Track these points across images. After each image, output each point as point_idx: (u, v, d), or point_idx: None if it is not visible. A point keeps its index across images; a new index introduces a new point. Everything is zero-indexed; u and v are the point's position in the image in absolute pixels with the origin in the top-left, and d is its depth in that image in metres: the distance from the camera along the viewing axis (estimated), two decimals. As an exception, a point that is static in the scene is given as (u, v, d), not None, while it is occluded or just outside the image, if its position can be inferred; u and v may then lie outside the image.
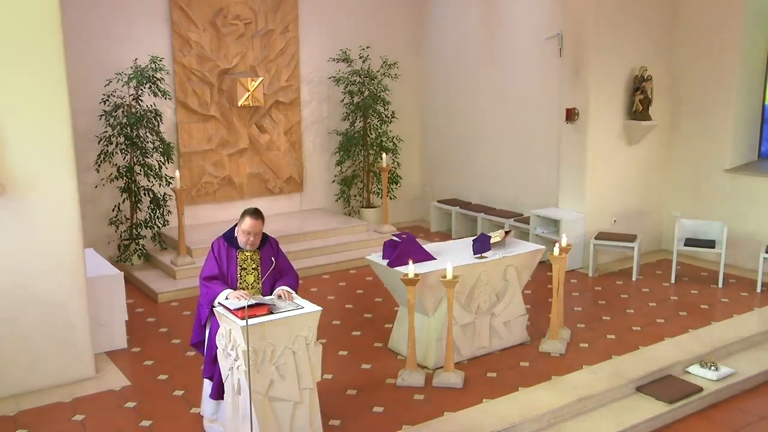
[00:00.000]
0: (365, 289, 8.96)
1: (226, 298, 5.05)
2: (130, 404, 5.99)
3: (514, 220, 10.36)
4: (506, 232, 7.23)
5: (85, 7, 9.38)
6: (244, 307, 4.68)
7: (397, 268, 6.46)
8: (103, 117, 9.31)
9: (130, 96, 9.43)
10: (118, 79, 9.38)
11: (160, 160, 9.58)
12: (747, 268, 9.34)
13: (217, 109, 10.49)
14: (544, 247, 7.38)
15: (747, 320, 7.74)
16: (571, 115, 9.45)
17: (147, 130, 9.45)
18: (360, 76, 11.29)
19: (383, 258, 6.75)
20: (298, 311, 4.96)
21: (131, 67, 9.43)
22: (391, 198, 11.86)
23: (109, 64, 9.54)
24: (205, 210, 10.61)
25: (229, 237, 5.36)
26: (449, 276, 6.03)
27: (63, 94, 6.02)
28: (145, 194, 9.63)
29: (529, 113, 10.56)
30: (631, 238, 9.23)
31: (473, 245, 6.95)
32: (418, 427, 5.57)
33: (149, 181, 9.56)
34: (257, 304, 4.86)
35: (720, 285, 8.82)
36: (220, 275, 5.27)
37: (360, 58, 11.33)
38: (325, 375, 6.13)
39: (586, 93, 9.31)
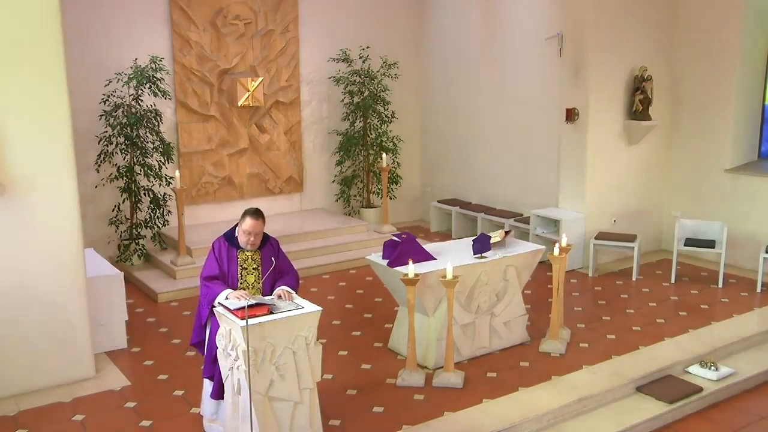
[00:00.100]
0: (365, 289, 8.96)
1: (226, 298, 5.05)
2: (130, 404, 6.00)
3: (514, 220, 10.36)
4: (506, 232, 7.23)
5: (85, 7, 9.38)
6: (244, 307, 4.68)
7: (397, 268, 6.46)
8: (103, 117, 9.32)
9: (130, 96, 9.43)
10: (118, 79, 9.38)
11: (160, 160, 9.58)
12: (747, 268, 9.35)
13: (217, 109, 10.49)
14: (544, 247, 7.38)
15: (747, 320, 7.74)
16: (571, 115, 9.45)
17: (147, 130, 9.45)
18: (360, 76, 11.29)
19: (383, 258, 6.75)
20: (298, 311, 4.96)
21: (131, 67, 9.43)
22: (391, 198, 11.86)
23: (109, 64, 9.54)
24: (205, 210, 10.62)
25: (230, 237, 5.36)
26: (449, 276, 6.03)
27: (63, 94, 6.02)
28: (145, 194, 9.63)
29: (529, 113, 10.56)
30: (631, 238, 9.23)
31: (473, 245, 6.95)
32: (418, 427, 5.57)
33: (149, 181, 9.56)
34: (257, 304, 4.86)
35: (720, 285, 8.82)
36: (221, 275, 5.27)
37: (360, 58, 11.33)
38: (325, 375, 6.13)
39: (586, 93, 9.31)
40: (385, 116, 11.48)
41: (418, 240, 7.10)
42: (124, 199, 9.55)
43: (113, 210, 9.60)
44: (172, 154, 9.81)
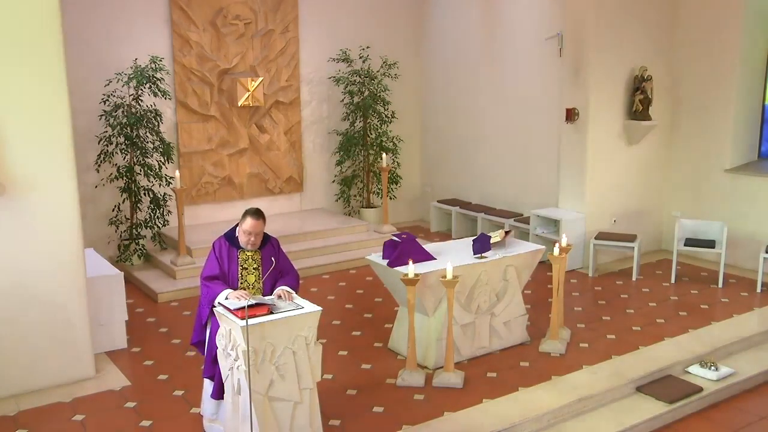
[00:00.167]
0: (365, 289, 8.96)
1: (226, 298, 5.05)
2: (130, 404, 6.00)
3: (514, 220, 10.36)
4: (506, 232, 7.23)
5: (85, 7, 9.38)
6: (244, 307, 4.68)
7: (397, 268, 6.46)
8: (103, 117, 9.32)
9: (130, 96, 9.43)
10: (118, 79, 9.38)
11: (160, 160, 9.58)
12: (747, 268, 9.35)
13: (217, 109, 10.49)
14: (544, 247, 7.38)
15: (747, 320, 7.74)
16: (571, 115, 9.45)
17: (147, 130, 9.45)
18: (360, 76, 11.29)
19: (383, 258, 6.75)
20: (298, 311, 4.96)
21: (131, 67, 9.43)
22: (391, 198, 11.86)
23: (109, 64, 9.54)
24: (205, 210, 10.62)
25: (231, 237, 5.36)
26: (449, 276, 6.03)
27: (63, 94, 6.02)
28: (145, 194, 9.63)
29: (529, 113, 10.56)
30: (631, 238, 9.23)
31: (473, 245, 6.95)
32: (418, 427, 5.57)
33: (149, 181, 9.56)
34: (257, 304, 4.86)
35: (720, 285, 8.82)
36: (221, 275, 5.27)
37: (360, 58, 11.33)
38: (325, 375, 6.13)
39: (586, 93, 9.31)
40: (385, 116, 11.47)
41: (418, 240, 7.10)
42: (124, 199, 9.55)
43: (113, 210, 9.60)
44: (172, 154, 9.81)
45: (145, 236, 9.80)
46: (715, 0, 9.45)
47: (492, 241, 6.97)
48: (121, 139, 9.37)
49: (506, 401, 5.95)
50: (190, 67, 10.20)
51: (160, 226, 9.77)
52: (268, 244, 5.40)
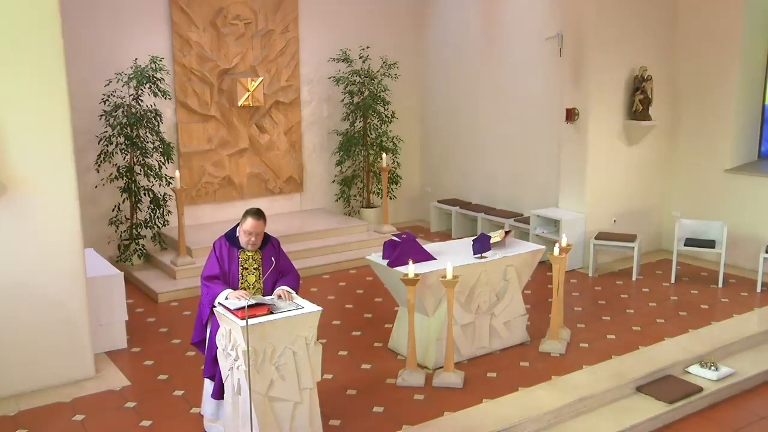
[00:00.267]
0: (365, 289, 8.96)
1: (226, 298, 5.05)
2: (130, 404, 5.99)
3: (514, 220, 10.36)
4: (506, 232, 7.23)
5: (86, 7, 9.38)
6: (244, 307, 4.68)
7: (397, 268, 6.46)
8: (103, 117, 9.32)
9: (130, 96, 9.43)
10: (118, 79, 9.38)
11: (160, 160, 9.58)
12: (747, 268, 9.35)
13: (217, 109, 10.49)
14: (544, 247, 7.38)
15: (747, 320, 7.74)
16: (571, 115, 9.45)
17: (147, 130, 9.45)
18: (360, 76, 11.29)
19: (383, 258, 6.75)
20: (298, 311, 4.96)
21: (131, 67, 9.43)
22: (391, 198, 11.85)
23: (109, 64, 9.54)
24: (205, 210, 10.62)
25: (231, 237, 5.36)
26: (449, 276, 6.03)
27: (63, 94, 6.02)
28: (145, 194, 9.63)
29: (529, 113, 10.55)
30: (631, 238, 9.23)
31: (473, 245, 6.95)
32: (418, 427, 5.57)
33: (149, 181, 9.56)
34: (257, 304, 4.86)
35: (720, 285, 8.82)
36: (221, 275, 5.27)
37: (360, 58, 11.33)
38: (325, 375, 6.13)
39: (586, 93, 9.31)
40: (385, 116, 11.47)
41: (418, 240, 7.10)
42: (124, 199, 9.55)
43: (113, 210, 9.60)
44: (172, 154, 9.81)
45: (145, 236, 9.80)
46: (715, 0, 9.45)
47: (492, 241, 6.97)
48: (121, 139, 9.37)
49: (506, 401, 5.95)
50: (190, 67, 10.20)
51: (160, 226, 9.77)
52: (268, 244, 5.40)
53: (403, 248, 6.61)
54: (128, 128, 9.30)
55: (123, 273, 7.20)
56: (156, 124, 9.50)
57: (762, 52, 9.53)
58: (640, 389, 6.27)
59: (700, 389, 6.25)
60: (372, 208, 11.69)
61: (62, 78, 6.00)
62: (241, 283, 5.30)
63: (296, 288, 5.33)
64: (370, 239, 10.36)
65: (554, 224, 9.64)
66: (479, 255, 6.84)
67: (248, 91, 10.45)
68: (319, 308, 5.06)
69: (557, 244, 6.95)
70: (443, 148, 12.16)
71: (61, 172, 6.08)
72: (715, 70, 9.54)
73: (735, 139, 9.56)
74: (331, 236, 10.36)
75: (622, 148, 9.74)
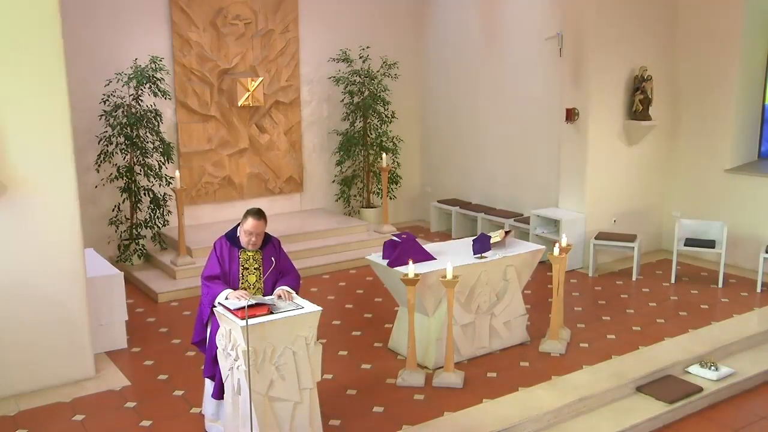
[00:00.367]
0: (365, 289, 8.96)
1: (226, 298, 5.05)
2: (130, 404, 5.99)
3: (514, 220, 10.36)
4: (506, 232, 7.23)
5: (86, 7, 9.38)
6: (244, 307, 4.68)
7: (397, 268, 6.46)
8: (103, 117, 9.32)
9: (130, 96, 9.43)
10: (118, 79, 9.38)
11: (160, 160, 9.58)
12: (747, 268, 9.35)
13: (217, 109, 10.49)
14: (544, 247, 7.38)
15: (747, 320, 7.74)
16: (571, 115, 9.45)
17: (147, 130, 9.45)
18: (360, 76, 11.29)
19: (383, 258, 6.75)
20: (298, 311, 4.96)
21: (131, 67, 9.43)
22: (391, 198, 11.85)
23: (109, 64, 9.54)
24: (205, 210, 10.62)
25: (232, 237, 5.37)
26: (449, 276, 6.03)
27: (63, 94, 6.02)
28: (145, 194, 9.63)
29: (529, 113, 10.55)
30: (631, 238, 9.23)
31: (473, 245, 6.95)
32: (418, 427, 5.57)
33: (149, 181, 9.56)
34: (257, 304, 4.86)
35: (720, 285, 8.82)
36: (222, 275, 5.27)
37: (360, 58, 11.33)
38: (325, 375, 6.13)
39: (586, 93, 9.31)
40: (385, 116, 11.47)
41: (418, 240, 7.10)
42: (124, 199, 9.55)
43: (113, 210, 9.60)
44: (172, 154, 9.80)
45: (145, 236, 9.80)
46: (715, 0, 9.45)
47: (492, 241, 6.97)
48: (121, 139, 9.37)
49: (506, 401, 5.95)
50: (190, 67, 10.20)
51: (160, 226, 9.77)
52: (269, 244, 5.40)
53: (403, 248, 6.61)
54: (128, 128, 9.30)
55: (123, 273, 7.20)
56: (156, 124, 9.50)
57: (762, 52, 9.53)
58: (640, 389, 6.27)
59: (700, 389, 6.25)
60: (372, 208, 11.69)
61: (62, 78, 6.00)
62: (242, 283, 5.30)
63: (296, 288, 5.33)
64: (370, 239, 10.36)
65: (554, 224, 9.64)
66: (479, 255, 6.84)
67: (248, 91, 10.45)
68: (319, 308, 5.06)
69: (557, 244, 6.95)
70: (443, 148, 12.16)
71: (61, 172, 6.08)
72: (715, 70, 9.54)
73: (735, 139, 9.57)
74: (331, 236, 10.36)
75: (622, 148, 9.74)
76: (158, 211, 9.68)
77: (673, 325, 7.61)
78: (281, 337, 4.87)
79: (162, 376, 6.51)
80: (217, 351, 5.09)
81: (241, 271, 5.31)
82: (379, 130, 11.49)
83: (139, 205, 9.68)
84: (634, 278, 9.17)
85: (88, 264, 6.72)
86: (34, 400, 6.02)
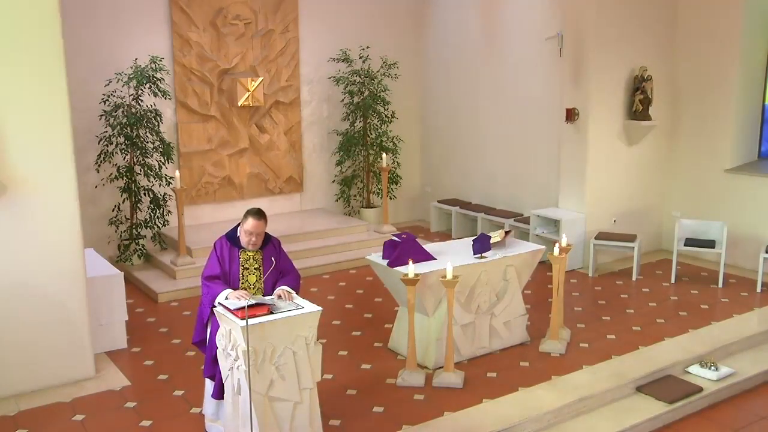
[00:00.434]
0: (365, 289, 8.96)
1: (226, 298, 5.05)
2: (130, 404, 6.00)
3: (514, 220, 10.36)
4: (506, 232, 7.23)
5: (86, 7, 9.38)
6: (244, 307, 4.68)
7: (397, 268, 6.46)
8: (103, 117, 9.32)
9: (130, 96, 9.43)
10: (118, 79, 9.38)
11: (160, 160, 9.58)
12: (747, 268, 9.35)
13: (217, 109, 10.49)
14: (544, 247, 7.38)
15: (747, 320, 7.74)
16: (571, 115, 9.45)
17: (147, 130, 9.45)
18: (360, 76, 11.29)
19: (383, 258, 6.75)
20: (298, 311, 4.96)
21: (131, 67, 9.43)
22: (391, 198, 11.85)
23: (109, 64, 9.54)
24: (205, 210, 10.62)
25: (232, 237, 5.37)
26: (449, 276, 6.03)
27: (63, 94, 6.02)
28: (145, 194, 9.63)
29: (529, 113, 10.55)
30: (631, 238, 9.23)
31: (473, 245, 6.95)
32: (418, 427, 5.57)
33: (149, 181, 9.56)
34: (257, 304, 4.86)
35: (720, 285, 8.82)
36: (222, 275, 5.27)
37: (360, 58, 11.33)
38: (325, 375, 6.13)
39: (586, 93, 9.32)
40: (385, 116, 11.47)
41: (418, 240, 7.10)
42: (124, 199, 9.55)
43: (113, 210, 9.60)
44: (172, 154, 9.81)
45: (145, 236, 9.80)
46: (715, 0, 9.44)
47: (492, 241, 6.97)
48: (121, 139, 9.37)
49: (506, 401, 5.95)
50: (190, 67, 10.20)
51: (160, 226, 9.77)
52: (269, 244, 5.40)
53: (403, 248, 6.61)
54: (128, 128, 9.30)
55: (123, 273, 7.20)
56: (156, 124, 9.50)
57: (762, 52, 9.53)
58: (640, 389, 6.27)
59: (700, 389, 6.25)
60: (372, 208, 11.69)
61: (62, 78, 6.00)
62: (242, 283, 5.30)
63: (296, 288, 5.33)
64: (370, 239, 10.37)
65: (554, 224, 9.64)
66: (479, 255, 6.84)
67: (248, 91, 10.45)
68: (319, 308, 5.06)
69: (557, 244, 6.95)
70: (443, 148, 12.16)
71: (61, 172, 6.08)
72: (715, 70, 9.54)
73: (735, 139, 9.57)
74: (331, 236, 10.36)
75: (622, 148, 9.74)
76: (158, 211, 9.68)
77: (673, 325, 7.61)
78: (281, 337, 4.87)
79: (162, 376, 6.51)
80: (217, 351, 5.09)
81: (241, 271, 5.31)
82: (379, 130, 11.49)
83: (139, 205, 9.68)
84: (634, 278, 9.17)
85: (88, 264, 6.72)
86: (34, 400, 6.02)
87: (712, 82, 9.59)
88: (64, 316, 6.23)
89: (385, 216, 10.89)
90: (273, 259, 5.31)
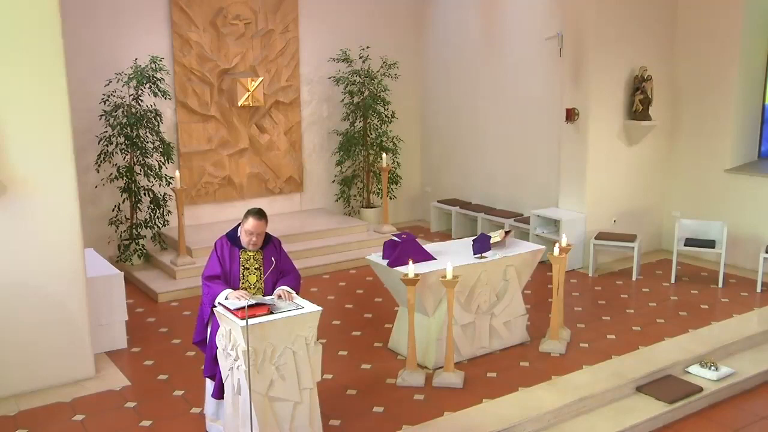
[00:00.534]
0: (365, 289, 8.96)
1: (226, 298, 5.05)
2: (130, 404, 6.00)
3: (514, 220, 10.36)
4: (506, 232, 7.23)
5: (86, 7, 9.38)
6: (244, 307, 4.68)
7: (397, 268, 6.46)
8: (103, 117, 9.32)
9: (130, 96, 9.43)
10: (118, 79, 9.38)
11: (160, 160, 9.58)
12: (747, 268, 9.35)
13: (217, 109, 10.49)
14: (544, 247, 7.38)
15: (747, 320, 7.74)
16: (571, 115, 9.45)
17: (147, 130, 9.45)
18: (360, 76, 11.28)
19: (383, 258, 6.75)
20: (298, 311, 4.96)
21: (131, 67, 9.43)
22: (391, 198, 11.85)
23: (109, 64, 9.53)
24: (205, 210, 10.61)
25: (232, 236, 5.37)
26: (449, 276, 6.03)
27: (63, 94, 6.02)
28: (145, 194, 9.63)
29: (529, 113, 10.55)
30: (631, 238, 9.23)
31: (473, 245, 6.95)
32: (418, 427, 5.57)
33: (149, 181, 9.56)
34: (257, 304, 4.86)
35: (720, 285, 8.82)
36: (223, 275, 5.27)
37: (360, 58, 11.33)
38: (325, 375, 6.13)
39: (586, 93, 9.32)
40: (385, 116, 11.47)
41: (418, 240, 7.10)
42: (124, 199, 9.55)
43: (113, 210, 9.60)
44: (172, 154, 9.80)
45: (145, 236, 9.80)
46: (715, 0, 9.44)
47: (492, 241, 6.97)
48: (121, 139, 9.37)
49: (506, 401, 5.95)
50: (190, 67, 10.20)
51: (160, 226, 9.77)
52: (269, 244, 5.40)
53: (403, 248, 6.61)
54: (128, 128, 9.30)
55: (123, 273, 7.20)
56: (156, 124, 9.50)
57: (762, 52, 9.53)
58: (640, 389, 6.27)
59: (700, 389, 6.25)
60: (372, 208, 11.69)
61: (62, 78, 6.00)
62: (242, 283, 5.30)
63: (297, 288, 5.33)
64: (370, 239, 10.37)
65: (554, 224, 9.64)
66: (479, 255, 6.84)
67: (248, 91, 10.45)
68: (319, 308, 5.06)
69: (557, 244, 6.95)
70: (443, 148, 12.16)
71: (61, 172, 6.08)
72: (715, 70, 9.54)
73: (735, 139, 9.57)
74: (331, 236, 10.36)
75: (622, 148, 9.74)
76: (158, 211, 9.68)
77: (673, 325, 7.61)
78: (281, 337, 4.87)
79: (162, 376, 6.51)
80: (217, 351, 5.09)
81: (241, 271, 5.31)
82: (379, 130, 11.49)
83: (139, 205, 9.68)
84: (634, 278, 9.17)
85: (88, 264, 6.72)
86: (34, 400, 6.02)
87: (712, 82, 9.59)
88: (64, 316, 6.23)
89: (385, 216, 10.89)
90: (273, 259, 5.31)
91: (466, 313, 6.70)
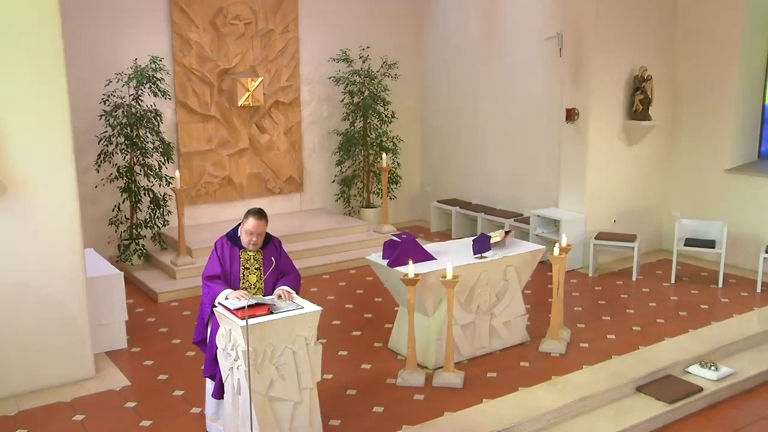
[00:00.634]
0: (365, 289, 8.96)
1: (226, 298, 5.05)
2: (130, 404, 6.00)
3: (514, 220, 10.36)
4: (506, 232, 7.24)
5: (86, 7, 9.38)
6: (244, 307, 4.68)
7: (397, 268, 6.46)
8: (103, 117, 9.32)
9: (130, 96, 9.43)
10: (118, 79, 9.38)
11: (160, 160, 9.58)
12: (747, 268, 9.35)
13: (217, 109, 10.49)
14: (544, 247, 7.38)
15: (747, 320, 7.74)
16: (571, 115, 9.45)
17: (147, 130, 9.45)
18: (360, 76, 11.28)
19: (383, 258, 6.75)
20: (298, 311, 4.96)
21: (131, 67, 9.43)
22: (391, 198, 11.85)
23: (109, 64, 9.54)
24: (205, 210, 10.61)
25: (233, 236, 5.37)
26: (449, 276, 6.03)
27: (63, 94, 6.02)
28: (145, 194, 9.63)
29: (529, 113, 10.55)
30: (631, 238, 9.23)
31: (473, 245, 6.95)
32: (418, 427, 5.57)
33: (149, 181, 9.56)
34: (257, 304, 4.86)
35: (720, 285, 8.82)
36: (223, 275, 5.27)
37: (360, 58, 11.33)
38: (325, 375, 6.13)
39: (586, 93, 9.32)
40: (385, 116, 11.47)
41: (418, 240, 7.10)
42: (124, 199, 9.55)
43: (113, 210, 9.60)
44: (172, 154, 9.80)
45: (145, 236, 9.80)
46: (715, 0, 9.44)
47: (492, 241, 6.97)
48: (121, 139, 9.37)
49: (506, 401, 5.95)
50: (190, 67, 10.20)
51: (160, 226, 9.77)
52: (270, 244, 5.40)
53: (403, 248, 6.61)
54: (128, 128, 9.30)
55: (123, 273, 7.20)
56: (156, 124, 9.50)
57: (762, 52, 9.53)
58: (640, 389, 6.27)
59: (700, 389, 6.25)
60: (372, 208, 11.69)
61: (62, 78, 6.00)
62: (242, 283, 5.30)
63: (297, 288, 5.33)
64: (370, 239, 10.37)
65: (554, 224, 9.64)
66: (479, 255, 6.84)
67: (248, 91, 10.45)
68: (319, 308, 5.06)
69: (557, 244, 6.95)
70: (443, 148, 12.16)
71: (61, 172, 6.08)
72: (715, 70, 9.54)
73: (735, 139, 9.57)
74: (331, 236, 10.36)
75: (622, 148, 9.74)
76: (158, 211, 9.68)
77: (673, 325, 7.62)
78: (281, 337, 4.87)
79: (162, 376, 6.51)
80: (217, 351, 5.09)
81: (241, 270, 5.31)
82: (379, 130, 11.49)
83: (139, 205, 9.68)
84: (634, 278, 9.17)
85: (88, 264, 6.72)
86: (34, 400, 6.02)
87: (712, 82, 9.59)
88: (64, 316, 6.23)
89: (385, 216, 10.89)
90: (273, 259, 5.31)
91: (466, 313, 6.70)
